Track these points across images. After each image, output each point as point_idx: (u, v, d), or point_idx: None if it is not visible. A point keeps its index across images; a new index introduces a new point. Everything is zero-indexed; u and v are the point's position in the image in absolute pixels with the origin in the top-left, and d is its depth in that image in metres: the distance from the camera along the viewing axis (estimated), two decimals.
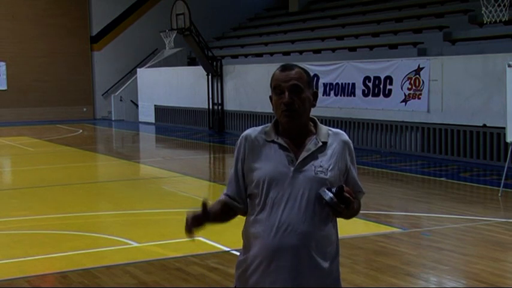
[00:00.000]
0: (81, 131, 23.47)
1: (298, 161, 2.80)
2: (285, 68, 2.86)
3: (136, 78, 27.38)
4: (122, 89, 28.43)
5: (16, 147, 18.47)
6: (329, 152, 2.85)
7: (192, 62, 25.79)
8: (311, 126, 2.92)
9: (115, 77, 29.09)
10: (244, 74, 21.10)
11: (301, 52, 21.49)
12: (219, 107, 21.95)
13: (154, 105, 25.69)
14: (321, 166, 2.81)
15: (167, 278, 6.28)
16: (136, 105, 27.29)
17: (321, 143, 2.85)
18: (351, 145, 2.94)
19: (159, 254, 7.23)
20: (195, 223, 2.84)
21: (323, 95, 17.66)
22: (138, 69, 27.54)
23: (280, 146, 2.83)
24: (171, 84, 24.74)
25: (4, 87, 27.66)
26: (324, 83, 17.65)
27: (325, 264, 2.79)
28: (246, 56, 24.38)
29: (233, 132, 21.10)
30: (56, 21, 28.09)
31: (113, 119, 27.88)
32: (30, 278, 6.40)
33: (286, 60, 20.87)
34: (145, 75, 26.69)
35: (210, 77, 22.07)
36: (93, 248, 7.58)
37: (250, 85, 20.58)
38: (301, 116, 2.84)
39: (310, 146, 2.84)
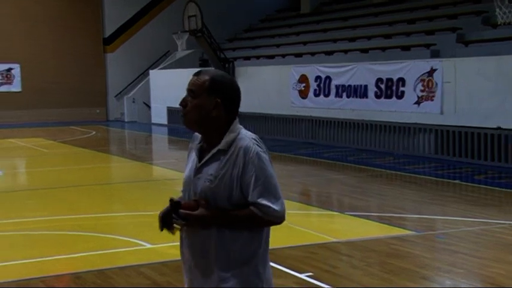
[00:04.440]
0: (94, 132, 23.54)
1: (197, 167, 2.86)
2: (194, 74, 2.93)
3: (148, 79, 27.42)
4: (134, 90, 28.49)
5: (31, 149, 18.55)
6: (224, 159, 2.80)
7: (204, 64, 25.80)
8: (226, 135, 2.84)
9: (128, 79, 29.16)
10: (256, 76, 21.08)
11: (313, 54, 21.45)
12: None
13: (167, 107, 25.71)
14: (211, 174, 2.81)
15: (180, 279, 6.25)
16: (149, 107, 27.34)
17: (215, 151, 2.82)
18: (251, 147, 2.78)
19: (173, 255, 7.20)
20: (164, 220, 2.89)
21: (335, 97, 17.63)
22: (150, 71, 27.59)
23: (196, 152, 2.92)
24: (183, 86, 23.95)
25: (19, 89, 27.80)
26: (336, 85, 17.60)
27: (215, 273, 2.81)
28: (258, 57, 24.36)
29: None
30: (70, 23, 28.19)
31: (126, 120, 27.94)
32: (45, 278, 6.41)
33: (299, 61, 20.83)
34: (157, 76, 26.72)
35: None
36: (107, 249, 7.58)
37: (262, 87, 20.55)
38: (194, 122, 2.84)
39: (210, 153, 2.85)
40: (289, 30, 26.18)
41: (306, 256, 6.98)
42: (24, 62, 27.57)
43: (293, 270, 6.41)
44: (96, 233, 8.29)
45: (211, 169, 2.81)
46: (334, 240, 7.71)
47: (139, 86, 28.41)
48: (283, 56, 22.89)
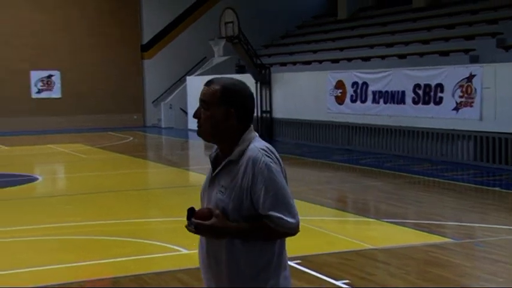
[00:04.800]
0: (131, 138, 23.77)
1: (211, 178, 2.85)
2: (205, 83, 2.88)
3: (185, 86, 27.60)
4: (171, 96, 28.70)
5: (70, 154, 18.81)
6: (235, 170, 2.76)
7: (240, 70, 25.85)
8: (238, 145, 2.80)
9: (165, 85, 29.39)
10: (293, 82, 21.04)
11: (349, 59, 21.33)
12: (268, 115, 21.95)
13: None
14: (222, 185, 2.78)
15: None
16: (186, 113, 27.48)
17: (226, 161, 2.79)
18: (259, 158, 2.71)
19: None
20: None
21: (372, 103, 17.48)
22: (187, 77, 27.75)
23: (211, 162, 2.90)
24: None
25: (59, 95, 28.24)
26: (373, 91, 17.46)
27: (228, 284, 2.79)
28: (294, 63, 24.33)
29: (282, 140, 21.05)
30: (108, 31, 28.55)
31: (163, 126, 28.15)
32: (83, 282, 6.47)
33: (335, 67, 20.74)
34: (194, 83, 26.82)
35: (258, 84, 22.09)
36: (144, 254, 7.62)
37: (298, 93, 20.51)
38: (208, 133, 2.82)
39: (222, 164, 2.82)
40: (325, 36, 26.09)
41: (342, 263, 6.91)
42: (64, 69, 28.02)
43: (329, 277, 6.36)
44: (133, 238, 8.34)
45: (223, 180, 2.79)
46: (371, 247, 7.62)
47: (176, 92, 28.60)
48: (320, 62, 22.81)
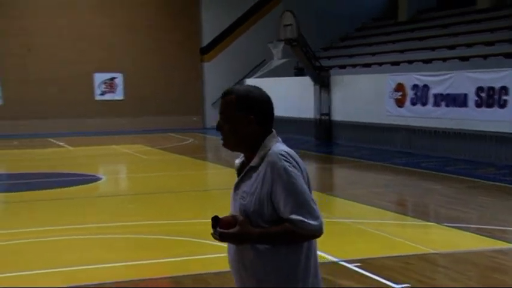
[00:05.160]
0: (191, 140, 24.05)
1: (234, 185, 2.90)
2: (221, 95, 2.93)
3: None
4: None
5: (131, 155, 19.18)
6: (255, 176, 2.79)
7: (299, 73, 25.83)
8: (259, 151, 2.84)
9: (224, 87, 29.04)
10: (353, 84, 20.90)
11: (410, 62, 21.07)
12: (327, 117, 21.87)
13: None
14: (244, 191, 2.81)
15: None
16: None
17: (248, 168, 2.83)
18: (277, 163, 2.73)
19: None
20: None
21: (433, 106, 17.22)
22: (246, 80, 27.88)
23: (236, 168, 2.95)
24: (278, 94, 24.72)
25: (121, 97, 28.85)
26: (434, 94, 17.20)
27: (252, 279, 2.81)
28: (354, 66, 24.17)
29: (341, 143, 20.94)
30: (169, 35, 28.99)
31: None
32: (144, 281, 6.61)
33: (395, 70, 20.51)
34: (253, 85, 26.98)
35: (317, 87, 22.04)
36: (204, 254, 7.72)
37: (358, 95, 20.36)
38: (232, 145, 2.87)
39: (244, 170, 2.87)
40: (385, 39, 25.83)
41: (402, 267, 6.85)
42: (127, 71, 28.59)
43: (389, 280, 6.31)
44: (194, 238, 8.45)
45: (245, 186, 2.82)
46: (432, 251, 7.52)
47: None
48: (380, 64, 22.60)
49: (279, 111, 21.06)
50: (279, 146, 2.82)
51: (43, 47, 27.39)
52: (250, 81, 27.34)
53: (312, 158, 18.93)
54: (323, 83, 21.88)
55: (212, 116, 29.60)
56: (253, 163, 2.81)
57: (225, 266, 7.09)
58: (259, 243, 2.75)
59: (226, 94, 2.89)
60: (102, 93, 28.72)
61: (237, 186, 2.88)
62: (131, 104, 28.58)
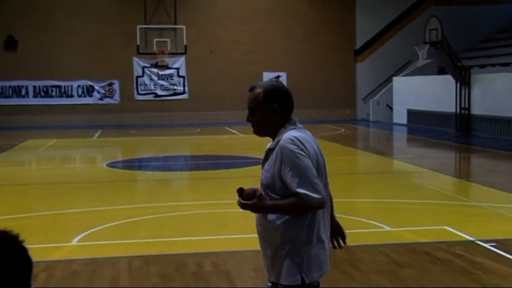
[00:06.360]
0: (343, 130, 23.91)
1: (262, 163, 3.00)
2: (249, 90, 2.99)
3: (391, 85, 27.13)
4: (379, 94, 28.38)
5: None
6: (271, 156, 2.89)
7: (441, 71, 24.70)
8: (278, 135, 2.94)
9: (373, 84, 29.15)
10: (492, 82, 19.70)
11: None
12: (466, 111, 20.80)
13: (407, 109, 25.18)
14: (264, 169, 2.94)
15: (416, 260, 6.13)
16: (391, 109, 27.01)
17: (267, 149, 2.95)
18: (286, 146, 2.82)
19: (409, 238, 7.09)
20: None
21: None
22: (394, 78, 27.26)
23: (266, 149, 3.01)
24: (422, 91, 24.07)
25: None
26: None
27: (268, 250, 2.92)
28: (493, 65, 22.70)
29: (479, 135, 19.81)
30: (326, 38, 28.96)
31: (371, 120, 27.94)
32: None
33: None
34: (400, 82, 26.33)
35: (458, 84, 21.02)
36: (352, 228, 7.67)
37: (496, 92, 19.17)
38: (262, 132, 2.98)
39: (265, 152, 2.96)
40: None
41: None
42: (289, 70, 28.97)
43: None
44: (342, 214, 8.43)
45: (265, 164, 2.94)
46: None
47: (384, 90, 28.22)
48: None
49: (423, 105, 20.62)
50: (291, 132, 2.89)
51: (222, 51, 28.49)
52: (398, 79, 26.67)
53: (452, 148, 18.11)
54: (463, 81, 20.82)
55: (362, 109, 29.26)
56: (271, 145, 2.94)
57: (371, 240, 7.03)
58: (271, 213, 2.87)
59: (253, 89, 2.98)
60: None
61: (262, 165, 3.00)
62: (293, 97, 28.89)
